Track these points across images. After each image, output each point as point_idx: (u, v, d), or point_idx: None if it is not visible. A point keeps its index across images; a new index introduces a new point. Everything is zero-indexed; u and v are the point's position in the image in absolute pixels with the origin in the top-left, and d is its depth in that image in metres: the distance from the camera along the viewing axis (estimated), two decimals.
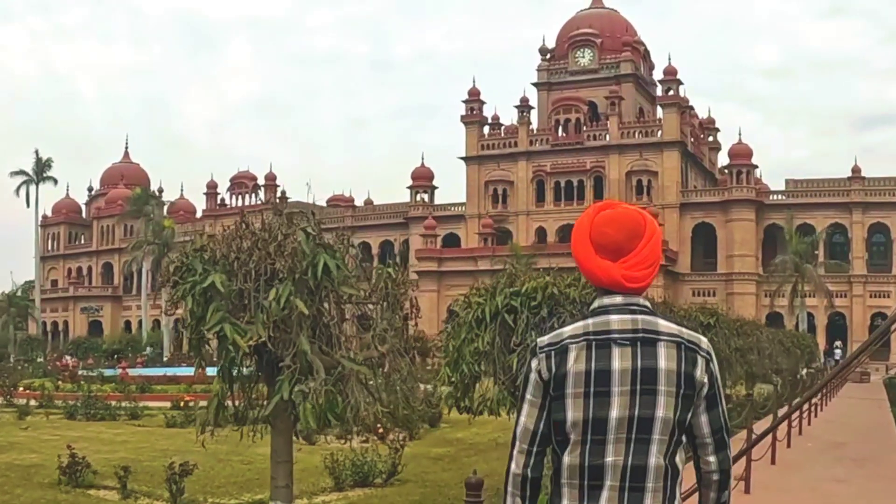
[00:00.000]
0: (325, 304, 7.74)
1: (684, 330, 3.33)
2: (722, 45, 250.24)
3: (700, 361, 3.27)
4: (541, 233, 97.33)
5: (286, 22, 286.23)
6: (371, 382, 7.82)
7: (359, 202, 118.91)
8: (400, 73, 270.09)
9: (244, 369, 8.23)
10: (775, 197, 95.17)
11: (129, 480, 16.16)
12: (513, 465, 3.36)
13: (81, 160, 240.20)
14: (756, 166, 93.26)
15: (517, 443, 3.37)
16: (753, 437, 14.83)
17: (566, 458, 3.25)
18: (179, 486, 14.84)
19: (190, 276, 7.49)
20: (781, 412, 21.00)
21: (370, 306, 8.07)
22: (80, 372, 45.49)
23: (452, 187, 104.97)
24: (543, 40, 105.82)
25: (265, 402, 8.05)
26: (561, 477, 3.27)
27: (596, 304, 3.41)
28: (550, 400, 3.29)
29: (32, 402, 34.68)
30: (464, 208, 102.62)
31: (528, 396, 3.35)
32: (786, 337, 45.81)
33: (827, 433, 24.84)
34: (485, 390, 12.67)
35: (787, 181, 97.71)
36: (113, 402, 32.75)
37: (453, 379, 12.79)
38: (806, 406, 24.69)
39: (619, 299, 3.35)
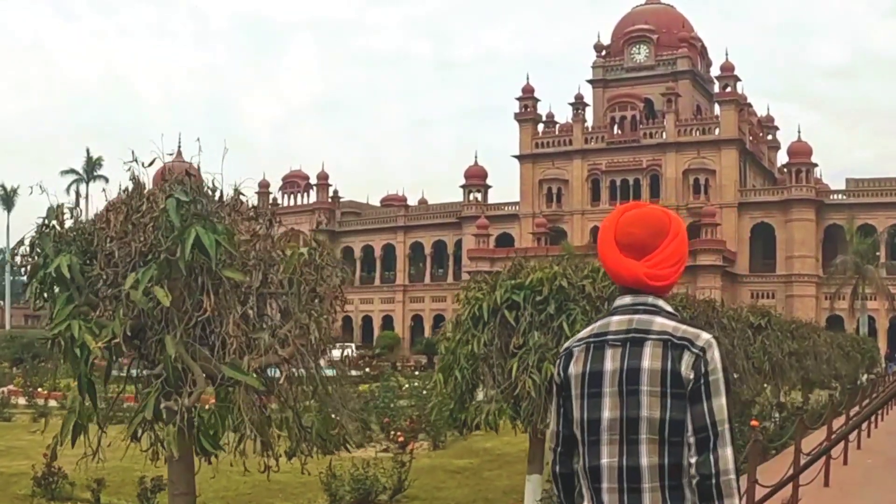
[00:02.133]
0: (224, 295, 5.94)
1: (681, 327, 3.25)
2: (782, 44, 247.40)
3: (687, 357, 3.19)
4: (595, 232, 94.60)
5: (350, 23, 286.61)
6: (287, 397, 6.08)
7: (415, 202, 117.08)
8: (463, 73, 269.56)
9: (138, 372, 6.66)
10: (835, 196, 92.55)
11: (107, 493, 14.87)
12: (549, 462, 3.48)
13: (141, 161, 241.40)
14: (816, 165, 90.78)
15: (548, 442, 3.53)
16: (802, 456, 12.83)
17: (581, 460, 3.30)
18: (151, 502, 13.49)
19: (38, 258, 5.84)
20: (837, 423, 19.04)
21: (283, 298, 6.29)
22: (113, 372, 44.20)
23: (509, 188, 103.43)
24: (598, 37, 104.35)
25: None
26: (581, 478, 3.33)
27: (613, 305, 3.42)
28: (563, 402, 3.37)
29: (53, 403, 33.47)
30: (517, 207, 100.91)
31: (552, 400, 3.46)
32: (845, 340, 43.87)
33: (889, 447, 22.39)
34: (482, 400, 10.85)
35: (847, 180, 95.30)
36: (133, 404, 31.41)
37: (447, 388, 11.06)
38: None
39: (627, 300, 3.37)
